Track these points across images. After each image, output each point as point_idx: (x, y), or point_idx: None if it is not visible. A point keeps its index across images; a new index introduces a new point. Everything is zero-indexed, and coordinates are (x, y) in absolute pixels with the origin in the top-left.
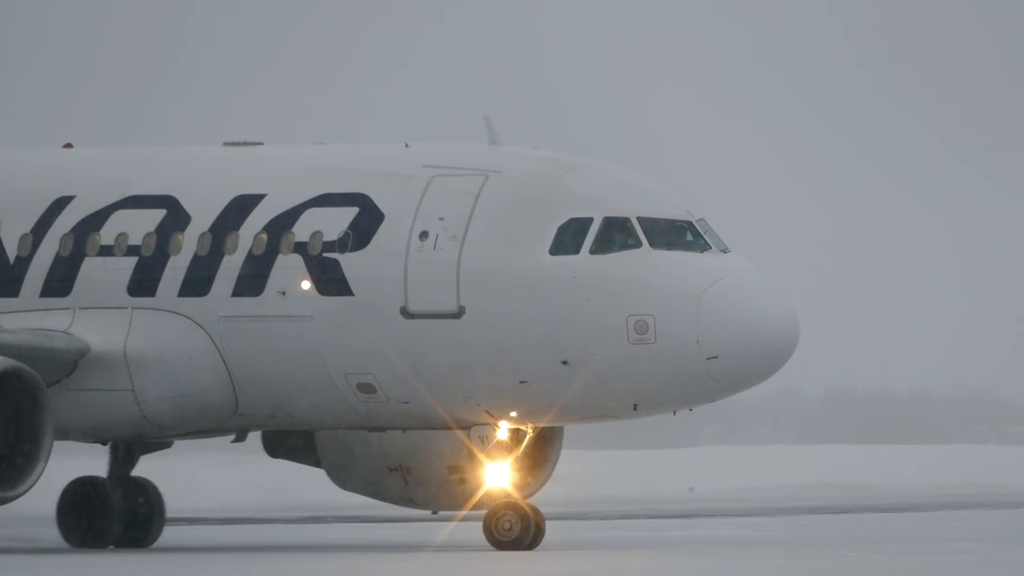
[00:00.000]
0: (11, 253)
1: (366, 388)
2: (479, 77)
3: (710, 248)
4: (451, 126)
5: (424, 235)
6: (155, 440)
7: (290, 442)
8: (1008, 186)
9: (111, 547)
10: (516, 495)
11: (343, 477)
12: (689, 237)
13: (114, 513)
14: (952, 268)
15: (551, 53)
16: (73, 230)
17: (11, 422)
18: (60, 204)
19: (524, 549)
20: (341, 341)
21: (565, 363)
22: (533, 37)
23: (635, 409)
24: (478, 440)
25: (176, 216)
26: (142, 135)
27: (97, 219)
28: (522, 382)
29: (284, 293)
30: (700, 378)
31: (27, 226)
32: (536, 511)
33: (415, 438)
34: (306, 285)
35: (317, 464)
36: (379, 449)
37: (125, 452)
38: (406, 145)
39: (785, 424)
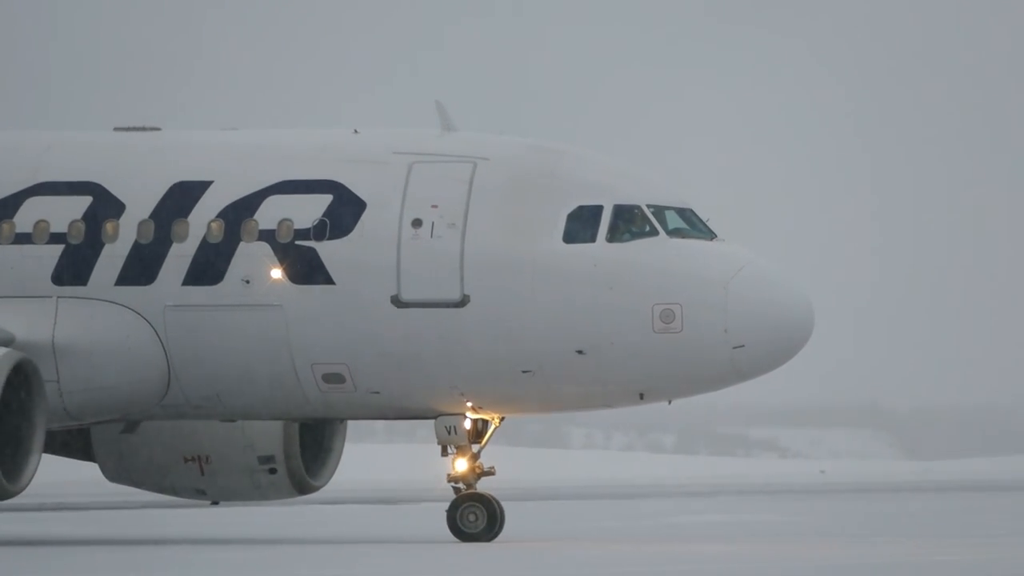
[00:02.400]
0: None
1: (333, 378)
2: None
3: (715, 236)
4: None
5: (417, 223)
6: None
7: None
8: None
9: None
10: (477, 486)
11: (120, 468)
12: (694, 225)
13: None
14: None
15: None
16: None
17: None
18: None
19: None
20: (313, 330)
21: (580, 352)
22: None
23: (641, 398)
24: (443, 430)
25: (105, 203)
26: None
27: (7, 206)
28: (525, 371)
29: (248, 282)
30: (722, 367)
31: None
32: (498, 502)
33: (218, 427)
34: (276, 273)
35: (84, 456)
36: (172, 439)
37: None
38: (355, 131)
39: None
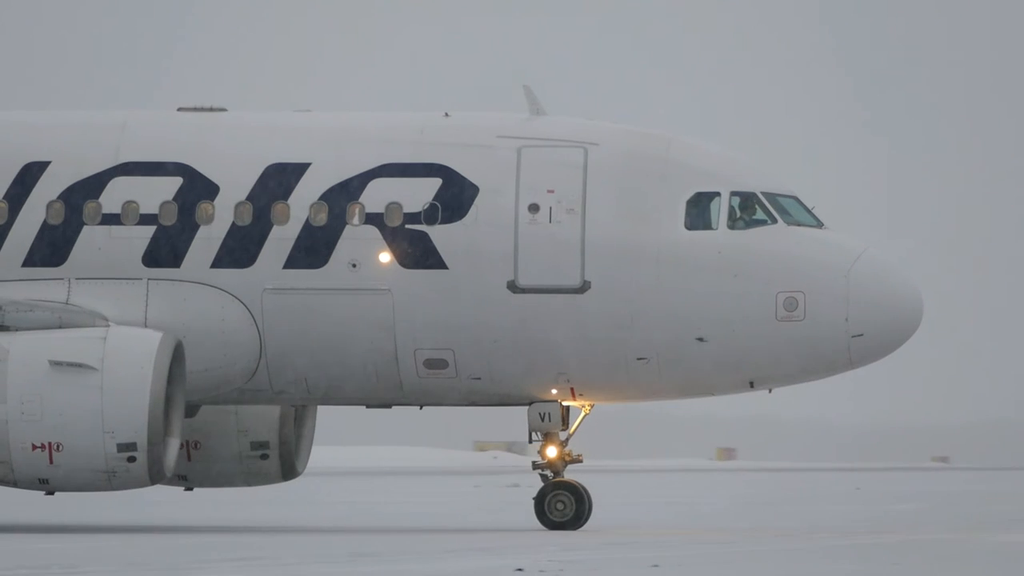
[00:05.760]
0: None
1: (436, 364)
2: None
3: (822, 224)
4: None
5: (534, 208)
6: None
7: None
8: None
9: None
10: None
11: None
12: (803, 212)
13: None
14: None
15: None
16: (61, 197)
17: None
18: (34, 170)
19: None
20: (422, 315)
21: (701, 339)
22: None
23: (751, 386)
24: (537, 417)
25: (197, 184)
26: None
27: (91, 186)
28: (640, 359)
29: (355, 265)
30: (838, 356)
31: None
32: (586, 489)
33: (211, 413)
34: (385, 257)
35: None
36: None
37: None
38: (446, 114)
39: None
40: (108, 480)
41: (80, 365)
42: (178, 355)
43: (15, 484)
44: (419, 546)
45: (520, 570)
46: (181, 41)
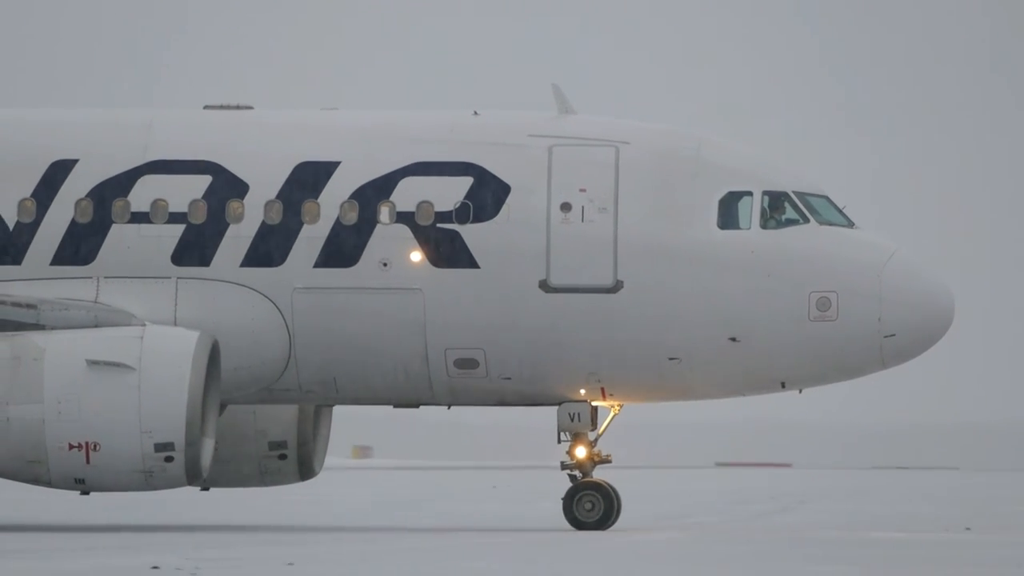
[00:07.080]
0: (9, 219)
1: (466, 364)
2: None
3: (854, 223)
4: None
5: (566, 207)
6: None
7: None
8: None
9: None
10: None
11: None
12: (834, 212)
13: None
14: None
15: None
16: (90, 195)
17: None
18: (61, 168)
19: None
20: (453, 314)
21: (733, 339)
22: None
23: (782, 387)
24: (566, 417)
25: (227, 182)
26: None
27: (119, 184)
28: (672, 359)
29: (386, 264)
30: (870, 356)
31: (25, 191)
32: (615, 490)
33: (229, 413)
34: (416, 256)
35: None
36: None
37: None
38: (475, 113)
39: None
40: (145, 480)
41: (117, 364)
42: (214, 355)
43: (50, 484)
44: (57, 543)
45: (156, 568)
46: (198, 39)
